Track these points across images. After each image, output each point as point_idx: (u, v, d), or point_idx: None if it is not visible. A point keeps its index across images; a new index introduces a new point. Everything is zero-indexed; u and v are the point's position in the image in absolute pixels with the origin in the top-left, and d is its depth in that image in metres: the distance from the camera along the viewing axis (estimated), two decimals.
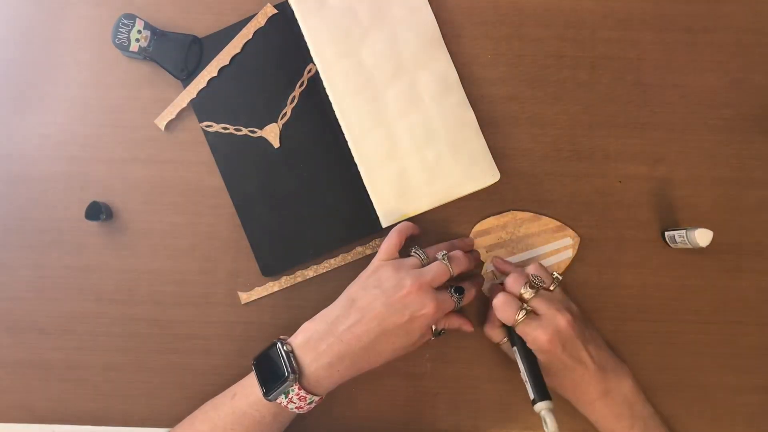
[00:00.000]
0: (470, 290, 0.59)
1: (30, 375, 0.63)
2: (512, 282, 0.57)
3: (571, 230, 0.64)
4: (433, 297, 0.55)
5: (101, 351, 0.63)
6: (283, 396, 0.54)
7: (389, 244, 0.59)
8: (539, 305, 0.56)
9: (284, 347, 0.55)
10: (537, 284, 0.56)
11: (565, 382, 0.58)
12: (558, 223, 0.64)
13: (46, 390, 0.63)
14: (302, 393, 0.54)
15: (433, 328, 0.58)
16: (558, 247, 0.64)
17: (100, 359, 0.63)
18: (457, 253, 0.58)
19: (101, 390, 0.63)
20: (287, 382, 0.53)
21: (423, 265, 0.57)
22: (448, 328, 0.60)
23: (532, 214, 0.64)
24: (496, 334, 0.61)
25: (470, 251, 0.63)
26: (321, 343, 0.55)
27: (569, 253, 0.64)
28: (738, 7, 0.66)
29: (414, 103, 0.64)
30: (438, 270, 0.56)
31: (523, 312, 0.55)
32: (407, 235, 0.60)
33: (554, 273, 0.58)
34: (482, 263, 0.64)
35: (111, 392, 0.63)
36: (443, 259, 0.57)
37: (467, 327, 0.61)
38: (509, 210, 0.64)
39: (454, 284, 0.58)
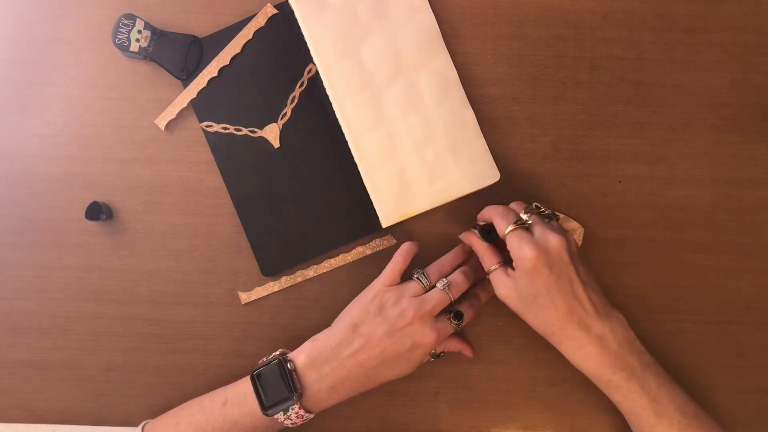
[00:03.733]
0: (468, 313, 0.60)
1: (30, 375, 0.63)
2: (514, 204, 0.58)
3: (574, 221, 0.64)
4: (434, 327, 0.56)
5: (101, 351, 0.63)
6: (281, 413, 0.55)
7: (393, 268, 0.59)
8: (536, 225, 0.55)
9: (288, 365, 0.55)
10: (536, 212, 0.57)
11: (551, 318, 0.53)
12: (561, 215, 0.64)
13: (46, 390, 0.63)
14: (301, 412, 0.55)
15: (432, 350, 0.59)
16: None
17: (100, 359, 0.63)
18: (458, 278, 0.59)
19: (101, 390, 0.63)
20: (290, 401, 0.54)
21: (425, 291, 0.58)
22: (448, 351, 0.61)
23: None
24: (473, 238, 0.59)
25: (471, 256, 0.63)
26: (324, 366, 0.55)
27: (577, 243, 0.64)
28: (738, 7, 0.66)
29: (414, 103, 0.64)
30: (439, 299, 0.57)
31: (516, 226, 0.55)
32: (411, 257, 0.60)
33: (554, 212, 0.59)
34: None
35: (111, 392, 0.63)
36: (444, 288, 0.58)
37: (467, 352, 0.62)
38: None
39: (453, 308, 0.59)
